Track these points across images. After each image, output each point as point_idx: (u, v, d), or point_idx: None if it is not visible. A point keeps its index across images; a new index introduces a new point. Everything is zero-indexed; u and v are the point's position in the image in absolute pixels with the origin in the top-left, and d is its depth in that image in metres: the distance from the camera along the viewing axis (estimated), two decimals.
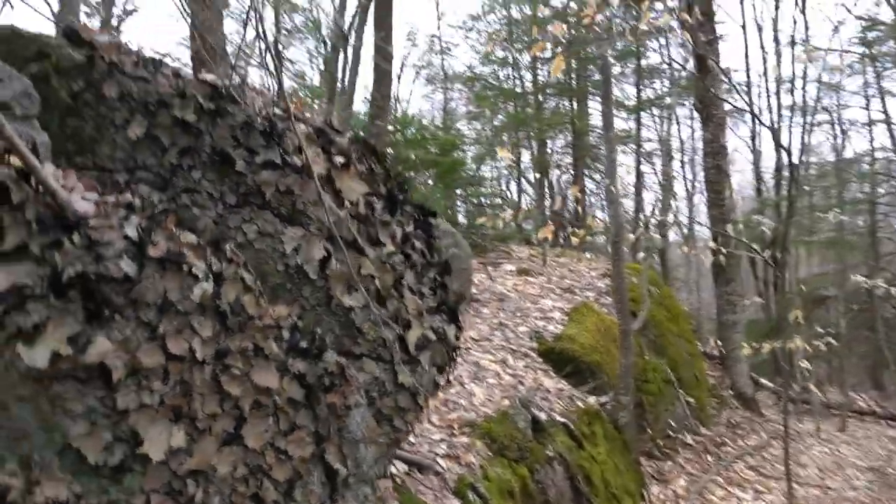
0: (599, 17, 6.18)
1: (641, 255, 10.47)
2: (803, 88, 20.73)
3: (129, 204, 1.83)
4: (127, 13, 14.68)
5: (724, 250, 8.19)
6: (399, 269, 2.71)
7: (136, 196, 1.89)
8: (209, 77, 2.36)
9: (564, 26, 6.81)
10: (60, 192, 1.67)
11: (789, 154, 11.71)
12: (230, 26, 14.59)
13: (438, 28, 39.66)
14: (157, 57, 2.54)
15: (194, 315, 1.87)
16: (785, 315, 8.38)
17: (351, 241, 2.54)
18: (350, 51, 12.73)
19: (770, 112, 18.67)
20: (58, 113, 2.45)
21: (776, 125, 17.68)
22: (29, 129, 2.20)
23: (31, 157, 1.64)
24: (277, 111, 2.39)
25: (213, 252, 2.01)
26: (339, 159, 2.57)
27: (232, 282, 2.02)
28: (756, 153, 19.62)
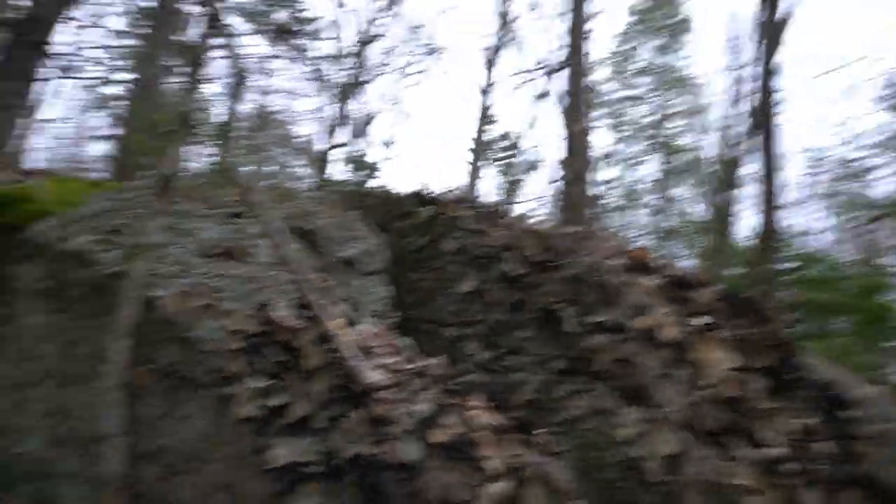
0: None
1: None
2: None
3: (429, 372, 1.57)
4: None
5: None
6: (794, 482, 1.84)
7: (447, 362, 1.64)
8: (540, 227, 2.08)
9: None
10: (353, 358, 1.51)
11: None
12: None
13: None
14: (496, 208, 2.44)
15: None
16: None
17: (713, 434, 1.83)
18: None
19: None
20: (405, 267, 2.49)
21: None
22: (372, 283, 2.23)
23: (327, 317, 1.55)
24: (616, 262, 1.95)
25: (520, 440, 1.60)
26: (700, 321, 1.95)
27: (537, 481, 1.55)
28: None
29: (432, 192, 2.54)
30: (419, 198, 2.53)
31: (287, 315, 1.62)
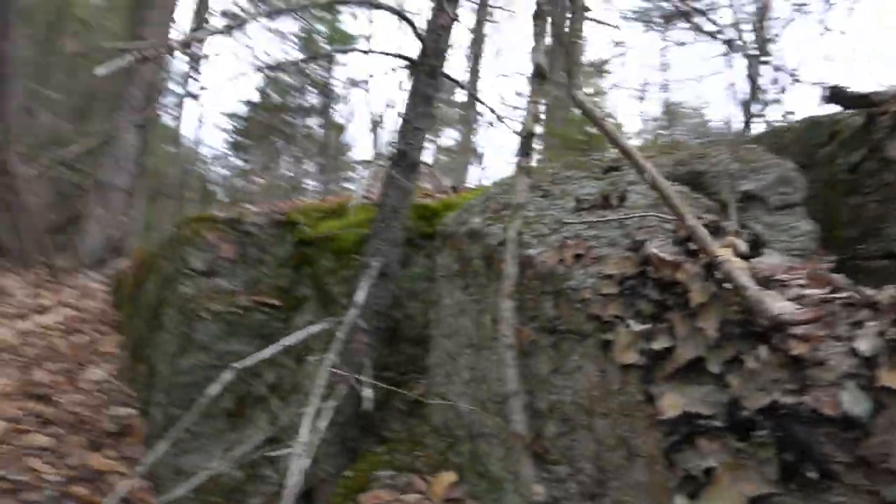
0: None
1: None
2: None
3: (865, 304, 1.12)
4: None
5: None
6: None
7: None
8: None
9: None
10: (752, 288, 1.17)
11: None
12: None
13: None
14: None
15: None
16: None
17: None
18: None
19: None
20: (837, 193, 1.93)
21: None
22: (788, 218, 1.79)
23: (712, 245, 1.24)
24: None
25: None
26: None
27: None
28: None
29: (862, 92, 1.91)
30: (836, 100, 1.93)
31: (667, 251, 1.39)
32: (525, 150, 1.76)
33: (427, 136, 2.77)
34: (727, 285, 1.23)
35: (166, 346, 3.46)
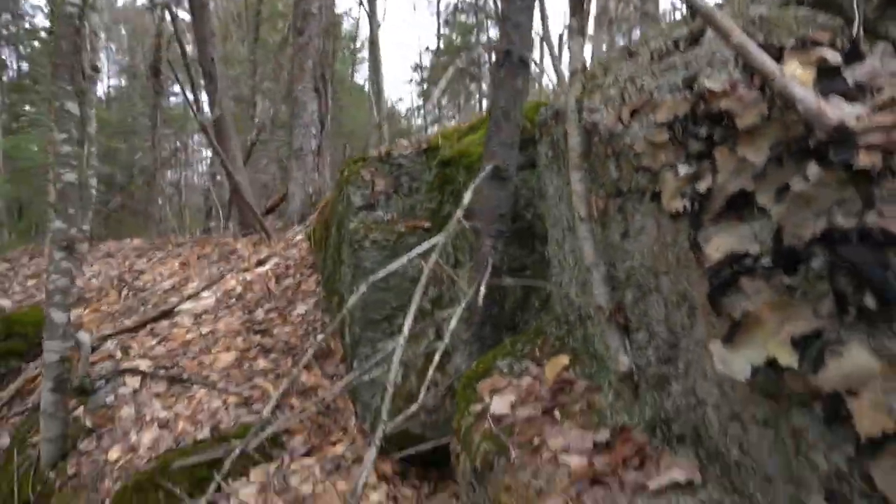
0: None
1: None
2: None
3: None
4: None
5: None
6: None
7: None
8: None
9: None
10: (809, 98, 0.96)
11: None
12: None
13: None
14: None
15: None
16: None
17: None
18: None
19: None
20: None
21: None
22: None
23: (768, 62, 1.03)
24: None
25: None
26: None
27: None
28: None
29: None
30: None
31: (720, 80, 1.19)
32: (576, 9, 1.60)
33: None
34: (783, 98, 1.02)
35: (346, 277, 3.88)
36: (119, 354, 3.91)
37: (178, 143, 20.94)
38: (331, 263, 4.70)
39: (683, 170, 1.16)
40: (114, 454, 3.17)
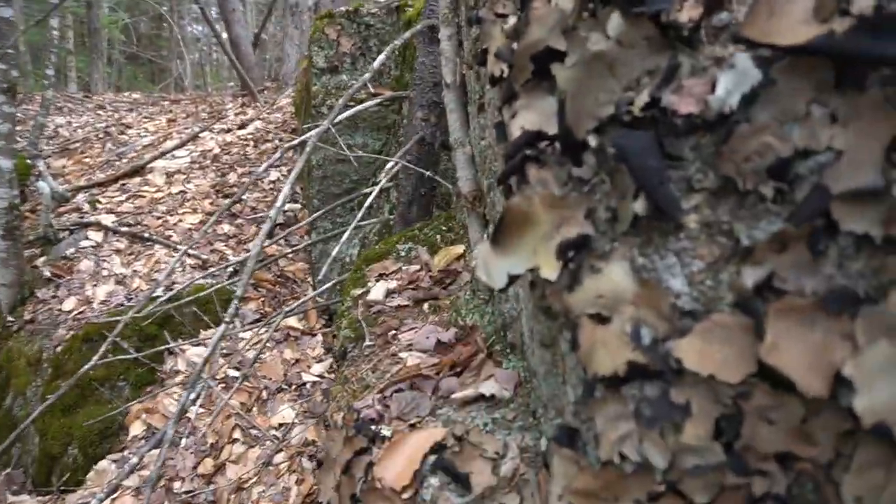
0: None
1: None
2: None
3: None
4: None
5: None
6: None
7: None
8: None
9: None
10: None
11: None
12: None
13: None
14: None
15: None
16: None
17: None
18: None
19: None
20: None
21: None
22: None
23: None
24: None
25: None
26: None
27: None
28: None
29: None
30: None
31: None
32: None
33: None
34: None
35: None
36: (86, 207, 3.89)
37: None
38: (304, 130, 4.50)
39: (511, 21, 0.92)
40: (69, 304, 3.22)
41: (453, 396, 1.07)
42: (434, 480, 0.89)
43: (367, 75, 1.85)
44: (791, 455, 0.48)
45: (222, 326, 1.86)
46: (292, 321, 3.32)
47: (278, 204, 1.63)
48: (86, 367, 1.98)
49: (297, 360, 3.10)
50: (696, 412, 0.54)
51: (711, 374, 0.52)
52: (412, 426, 1.02)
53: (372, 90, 3.28)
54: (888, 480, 0.43)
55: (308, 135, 2.01)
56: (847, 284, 0.48)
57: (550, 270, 0.70)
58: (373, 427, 1.02)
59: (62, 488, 2.74)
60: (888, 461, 0.44)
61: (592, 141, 0.66)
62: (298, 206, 3.91)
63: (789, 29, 0.53)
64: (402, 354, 1.33)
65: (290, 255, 3.65)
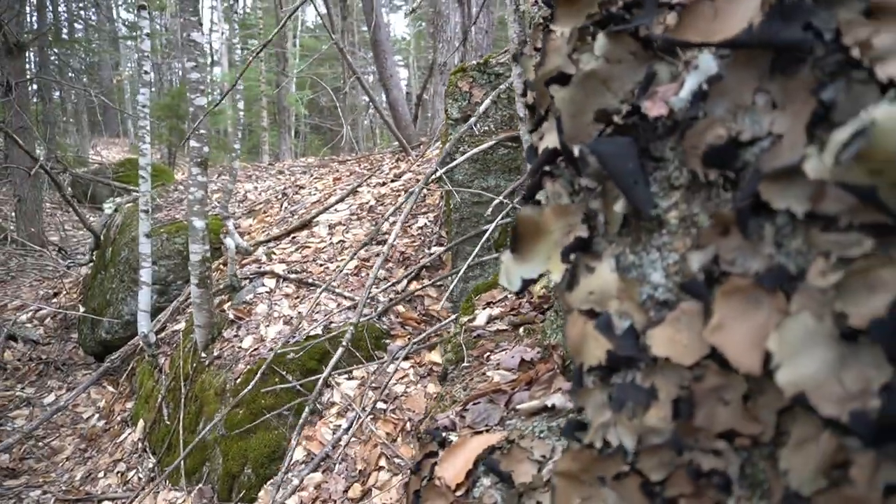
0: None
1: None
2: None
3: None
4: None
5: None
6: None
7: None
8: None
9: None
10: None
11: None
12: None
13: None
14: None
15: None
16: None
17: None
18: None
19: None
20: None
21: None
22: None
23: None
24: None
25: None
26: None
27: None
28: None
29: None
30: None
31: None
32: None
33: None
34: None
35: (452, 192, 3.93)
36: (264, 258, 4.47)
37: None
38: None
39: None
40: (247, 342, 3.70)
41: (519, 407, 1.12)
42: (486, 480, 0.95)
43: (472, 119, 2.00)
44: (735, 433, 0.49)
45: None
46: (435, 356, 3.50)
47: (391, 239, 1.80)
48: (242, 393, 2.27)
49: (439, 394, 3.25)
50: (661, 395, 0.56)
51: (668, 357, 0.54)
52: (477, 433, 1.09)
53: (497, 137, 3.43)
54: (817, 453, 0.43)
55: (423, 176, 2.19)
56: (782, 263, 0.49)
57: (558, 274, 0.76)
58: (444, 434, 1.11)
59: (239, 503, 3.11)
60: (817, 434, 0.44)
61: (576, 151, 0.72)
62: (442, 249, 4.14)
63: (727, 26, 0.56)
64: (490, 373, 1.40)
65: (434, 296, 3.87)
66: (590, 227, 0.74)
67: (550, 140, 0.86)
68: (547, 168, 0.85)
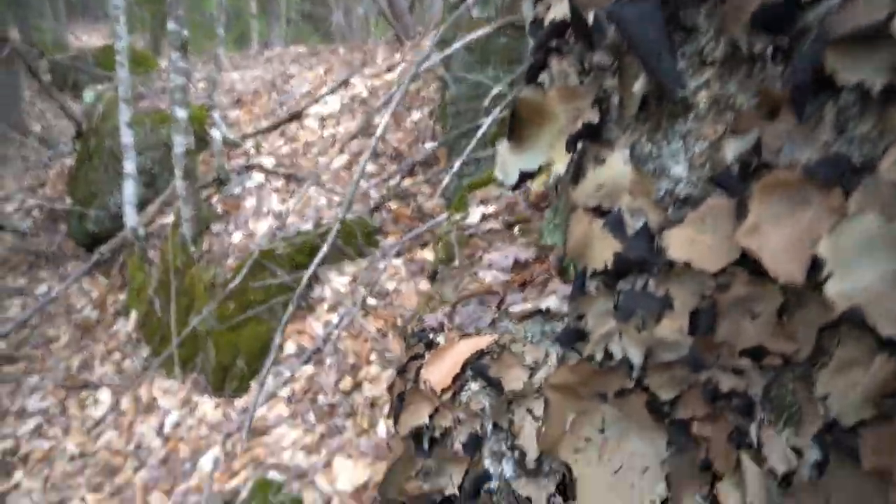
0: None
1: None
2: None
3: None
4: None
5: None
6: None
7: None
8: None
9: None
10: None
11: None
12: None
13: None
14: None
15: None
16: None
17: None
18: None
19: None
20: None
21: None
22: None
23: None
24: None
25: None
26: None
27: None
28: None
29: None
30: None
31: None
32: None
33: None
34: None
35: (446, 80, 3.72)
36: (252, 152, 4.31)
37: None
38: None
39: None
40: (236, 237, 3.64)
41: (512, 310, 1.07)
42: (474, 385, 0.90)
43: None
44: (763, 350, 0.42)
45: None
46: (428, 254, 3.45)
47: (379, 131, 1.68)
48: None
49: (428, 294, 3.24)
50: (677, 304, 0.48)
51: (687, 261, 0.46)
52: (466, 335, 1.03)
53: (497, 24, 3.20)
54: (865, 377, 0.36)
55: (414, 63, 2.03)
56: (844, 152, 0.40)
57: (562, 164, 0.67)
58: (431, 335, 1.06)
59: (231, 394, 3.17)
60: (869, 358, 0.37)
61: (590, 18, 0.60)
62: (436, 144, 4.00)
63: None
64: (481, 273, 1.33)
65: (427, 192, 3.77)
66: (601, 111, 0.63)
67: (559, 10, 0.74)
68: (553, 43, 0.73)
